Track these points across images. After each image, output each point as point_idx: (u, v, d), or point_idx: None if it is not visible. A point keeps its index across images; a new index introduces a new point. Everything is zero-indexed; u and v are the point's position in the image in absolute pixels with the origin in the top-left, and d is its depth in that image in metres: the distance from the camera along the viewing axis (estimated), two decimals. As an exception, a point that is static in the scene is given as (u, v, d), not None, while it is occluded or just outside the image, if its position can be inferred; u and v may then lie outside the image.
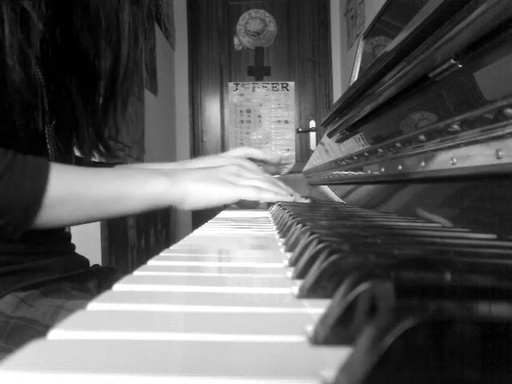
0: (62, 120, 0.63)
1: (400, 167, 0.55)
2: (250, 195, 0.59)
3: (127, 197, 0.54)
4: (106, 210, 0.54)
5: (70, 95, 0.64)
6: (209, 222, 0.59)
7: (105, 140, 0.71)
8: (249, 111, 3.17)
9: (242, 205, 0.81)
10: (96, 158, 0.75)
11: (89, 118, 0.67)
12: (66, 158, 0.64)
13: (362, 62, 1.07)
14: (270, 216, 0.68)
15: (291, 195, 0.67)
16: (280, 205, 0.69)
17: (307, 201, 0.75)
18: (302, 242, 0.29)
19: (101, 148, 0.71)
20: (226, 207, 0.85)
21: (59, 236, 0.65)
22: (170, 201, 0.57)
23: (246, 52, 3.17)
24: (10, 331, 0.49)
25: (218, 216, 0.68)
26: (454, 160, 0.41)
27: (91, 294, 0.58)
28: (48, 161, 0.50)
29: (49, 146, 0.59)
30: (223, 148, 3.16)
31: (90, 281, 0.64)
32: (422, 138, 0.48)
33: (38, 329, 0.49)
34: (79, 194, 0.51)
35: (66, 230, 0.71)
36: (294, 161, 3.11)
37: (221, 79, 3.17)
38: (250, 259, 0.31)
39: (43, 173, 0.48)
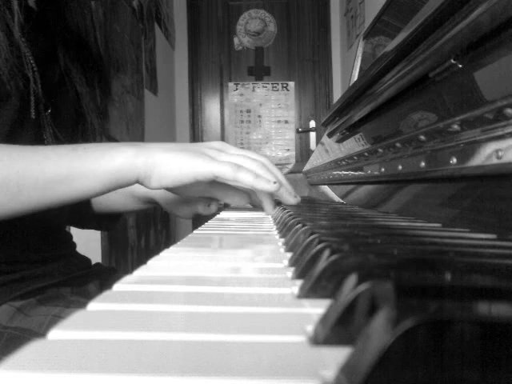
0: (64, 109, 0.62)
1: (400, 167, 0.55)
2: (225, 172, 0.47)
3: (82, 174, 0.46)
4: (57, 191, 0.46)
5: (73, 83, 0.64)
6: (209, 222, 0.59)
7: (106, 130, 0.70)
8: (249, 111, 3.17)
9: (238, 207, 0.79)
10: None
11: (94, 107, 0.66)
12: None
13: (361, 62, 1.07)
14: (269, 216, 0.68)
15: (277, 186, 0.50)
16: (280, 205, 0.69)
17: (294, 200, 0.60)
18: (303, 242, 0.29)
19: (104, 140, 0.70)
20: (225, 207, 0.85)
21: (59, 239, 0.65)
22: (134, 174, 0.47)
23: (246, 52, 3.17)
24: (4, 342, 0.48)
25: (217, 216, 0.68)
26: (454, 160, 0.41)
27: (91, 298, 0.57)
28: None
29: (45, 136, 0.58)
30: (223, 148, 3.16)
31: (91, 283, 0.64)
32: (422, 137, 0.48)
33: (34, 339, 0.48)
34: (19, 176, 0.44)
35: (66, 230, 0.71)
36: (293, 161, 3.11)
37: (221, 79, 3.17)
38: (250, 259, 0.31)
39: None
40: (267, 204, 0.61)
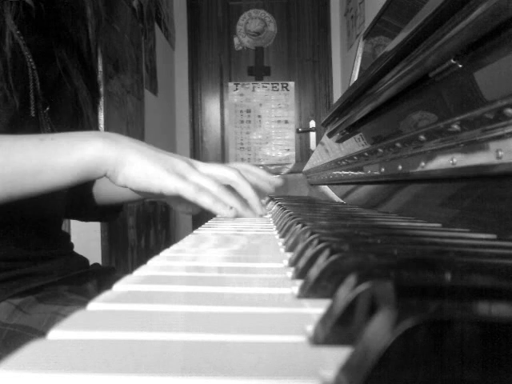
0: (62, 106, 0.63)
1: (400, 167, 0.55)
2: (188, 193, 0.48)
3: (50, 167, 0.44)
4: (25, 184, 0.44)
5: (71, 81, 0.64)
6: (209, 221, 0.59)
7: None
8: (249, 111, 3.17)
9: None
10: None
11: (90, 101, 0.66)
12: None
13: (361, 62, 1.07)
14: (269, 216, 0.68)
15: (233, 212, 0.52)
16: (280, 205, 0.69)
17: (258, 213, 0.58)
18: (302, 242, 0.29)
19: None
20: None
21: (57, 237, 0.65)
22: (103, 168, 0.46)
23: (246, 52, 3.17)
24: (4, 339, 0.48)
25: (218, 216, 0.68)
26: (454, 160, 0.41)
27: (90, 297, 0.58)
28: None
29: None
30: (223, 148, 3.16)
31: (89, 282, 0.64)
32: (422, 137, 0.48)
33: (33, 336, 0.48)
34: None
35: (64, 229, 0.71)
36: (293, 161, 3.12)
37: (221, 79, 3.17)
38: (250, 259, 0.31)
39: None
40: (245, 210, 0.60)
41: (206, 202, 0.49)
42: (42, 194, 0.47)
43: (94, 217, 0.80)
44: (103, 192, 0.73)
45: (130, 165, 0.47)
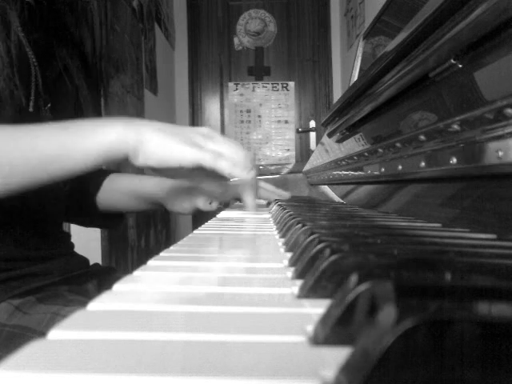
0: (63, 103, 0.63)
1: (400, 167, 0.55)
2: (207, 160, 0.49)
3: (73, 151, 0.47)
4: (49, 169, 0.47)
5: (72, 79, 0.64)
6: (209, 222, 0.59)
7: None
8: (249, 111, 3.17)
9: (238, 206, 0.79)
10: None
11: (90, 100, 0.67)
12: None
13: (361, 62, 1.07)
14: (269, 216, 0.68)
15: (253, 174, 0.53)
16: (280, 205, 0.69)
17: (274, 192, 0.59)
18: (303, 242, 0.29)
19: None
20: (225, 207, 0.85)
21: (57, 238, 0.65)
22: (124, 150, 0.48)
23: (246, 52, 3.17)
24: (4, 339, 0.48)
25: (218, 216, 0.68)
26: (454, 160, 0.41)
27: (90, 297, 0.57)
28: None
29: None
30: (223, 148, 3.16)
31: (90, 282, 0.64)
32: (422, 137, 0.48)
33: (33, 336, 0.48)
34: (11, 156, 0.45)
35: (65, 230, 0.71)
36: (293, 161, 3.11)
37: (221, 79, 3.17)
38: (250, 259, 0.31)
39: None
40: (249, 200, 0.61)
41: (224, 166, 0.50)
42: (66, 178, 0.49)
43: (96, 222, 0.80)
44: (106, 200, 0.74)
45: (148, 142, 0.48)
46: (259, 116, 3.16)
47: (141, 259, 2.09)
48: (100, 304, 0.19)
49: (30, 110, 0.56)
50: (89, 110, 0.66)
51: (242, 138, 3.16)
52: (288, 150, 3.15)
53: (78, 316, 0.17)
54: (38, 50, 0.57)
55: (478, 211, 0.38)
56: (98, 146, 0.47)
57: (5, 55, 0.49)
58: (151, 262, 0.28)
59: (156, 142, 0.48)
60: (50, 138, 0.46)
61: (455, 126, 0.40)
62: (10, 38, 0.51)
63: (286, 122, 3.16)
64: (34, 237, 0.59)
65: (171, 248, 0.34)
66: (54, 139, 0.46)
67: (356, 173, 0.77)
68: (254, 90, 3.16)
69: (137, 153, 0.48)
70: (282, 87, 3.15)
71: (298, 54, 3.14)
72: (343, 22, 2.90)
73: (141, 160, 0.49)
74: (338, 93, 3.05)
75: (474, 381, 0.11)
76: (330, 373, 0.12)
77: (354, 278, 0.16)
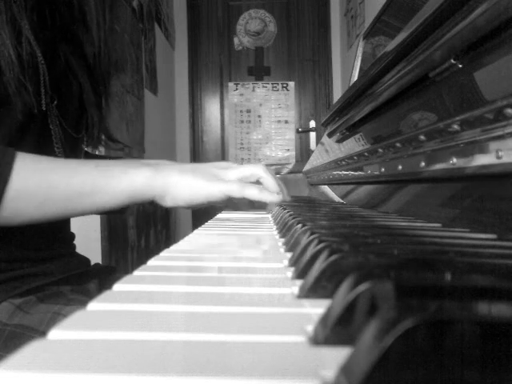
0: (68, 101, 0.63)
1: (400, 167, 0.55)
2: (234, 191, 0.53)
3: (103, 190, 0.49)
4: (78, 204, 0.49)
5: (76, 77, 0.64)
6: (209, 222, 0.59)
7: (106, 128, 0.72)
8: (249, 111, 3.17)
9: (236, 207, 0.79)
10: (98, 151, 0.76)
11: (94, 101, 0.67)
12: (74, 141, 0.64)
13: (361, 62, 1.07)
14: (269, 216, 0.68)
15: (278, 193, 0.58)
16: (280, 205, 0.69)
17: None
18: (303, 242, 0.29)
19: (102, 137, 0.72)
20: (220, 208, 0.85)
21: (59, 238, 0.65)
22: (151, 194, 0.51)
23: (246, 52, 3.17)
24: (5, 339, 0.48)
25: (218, 216, 0.68)
26: (454, 160, 0.41)
27: (91, 296, 0.57)
28: (14, 149, 0.46)
29: (51, 126, 0.59)
30: (223, 148, 3.16)
31: (90, 282, 0.64)
32: (422, 137, 0.48)
33: (34, 336, 0.48)
34: (47, 188, 0.46)
35: (71, 230, 0.71)
36: (293, 161, 3.11)
37: (221, 79, 3.17)
38: (250, 259, 0.31)
39: (6, 161, 0.44)
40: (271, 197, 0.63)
41: (253, 193, 0.54)
42: (92, 214, 0.52)
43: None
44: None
45: (174, 187, 0.52)
46: (259, 116, 3.16)
47: (141, 259, 2.09)
48: (100, 304, 0.19)
49: (43, 107, 0.56)
50: (92, 111, 0.67)
51: (242, 137, 3.16)
52: (288, 149, 3.15)
53: (78, 316, 0.17)
54: (43, 47, 0.58)
55: (478, 211, 0.38)
56: (127, 188, 0.50)
57: (16, 60, 0.50)
58: (151, 262, 0.28)
59: (182, 184, 0.52)
60: (85, 176, 0.49)
61: (455, 126, 0.40)
62: (21, 44, 0.51)
63: (286, 122, 3.16)
64: (35, 238, 0.59)
65: (171, 248, 0.34)
66: (88, 177, 0.49)
67: (356, 173, 0.77)
68: (253, 90, 3.16)
69: (164, 196, 0.52)
70: (282, 87, 3.15)
71: (298, 53, 3.14)
72: (343, 21, 2.90)
73: (169, 202, 0.53)
74: (337, 93, 3.05)
75: (474, 381, 0.11)
76: (330, 373, 0.12)
77: (353, 278, 0.17)
